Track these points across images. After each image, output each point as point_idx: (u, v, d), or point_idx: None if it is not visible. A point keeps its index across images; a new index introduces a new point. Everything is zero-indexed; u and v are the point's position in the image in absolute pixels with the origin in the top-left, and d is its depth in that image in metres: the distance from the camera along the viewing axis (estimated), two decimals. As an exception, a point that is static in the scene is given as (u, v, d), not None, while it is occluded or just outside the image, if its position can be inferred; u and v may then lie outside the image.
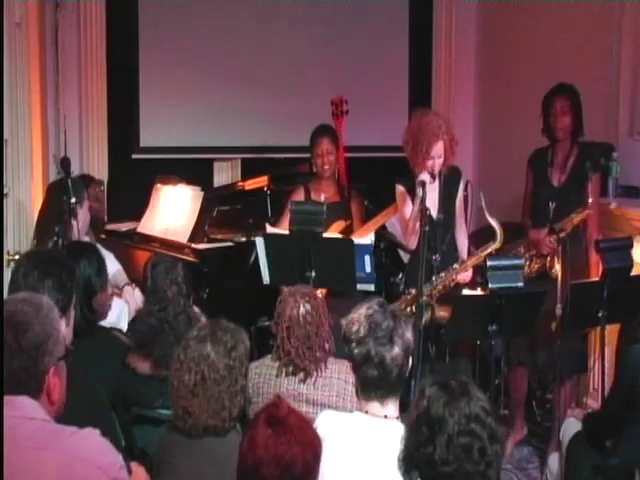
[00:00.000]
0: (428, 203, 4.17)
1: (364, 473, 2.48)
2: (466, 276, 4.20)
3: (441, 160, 4.12)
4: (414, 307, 4.11)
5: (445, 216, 4.18)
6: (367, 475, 2.47)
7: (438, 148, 4.08)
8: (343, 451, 2.53)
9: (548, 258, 4.39)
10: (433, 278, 4.04)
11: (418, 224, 3.97)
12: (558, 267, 4.27)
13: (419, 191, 3.91)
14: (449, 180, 4.25)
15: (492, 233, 4.13)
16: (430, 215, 4.07)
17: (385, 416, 2.54)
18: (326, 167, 4.72)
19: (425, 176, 3.98)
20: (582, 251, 4.39)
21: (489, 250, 4.14)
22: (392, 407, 2.56)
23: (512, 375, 4.76)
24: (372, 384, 2.56)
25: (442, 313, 3.99)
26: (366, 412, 2.58)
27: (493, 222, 4.09)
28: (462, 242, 4.38)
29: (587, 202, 4.23)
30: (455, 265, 4.17)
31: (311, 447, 2.10)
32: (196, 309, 3.56)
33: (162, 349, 3.22)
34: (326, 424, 2.60)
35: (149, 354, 3.25)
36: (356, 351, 2.57)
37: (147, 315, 3.35)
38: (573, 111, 4.48)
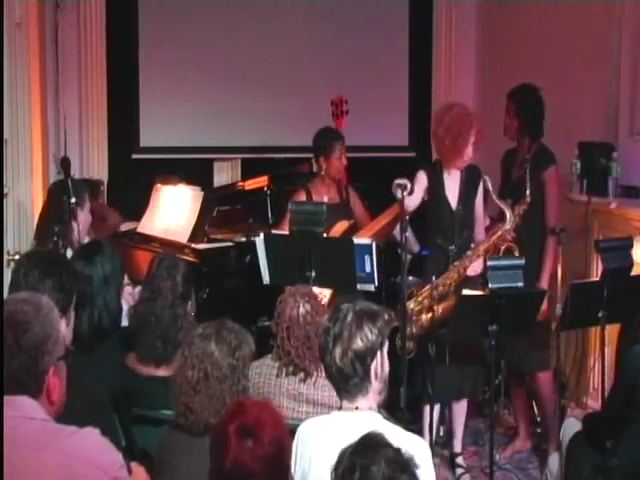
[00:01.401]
0: (449, 194, 4.31)
1: None
2: (477, 266, 4.22)
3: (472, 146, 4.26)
4: (428, 300, 4.18)
5: (464, 209, 4.29)
6: None
7: (474, 133, 4.21)
8: (325, 449, 2.53)
9: (502, 249, 4.38)
10: (435, 280, 4.15)
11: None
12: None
13: (398, 194, 3.93)
14: (470, 175, 4.33)
15: (501, 215, 4.24)
16: (449, 206, 4.28)
17: (356, 407, 2.58)
18: (342, 169, 4.80)
19: (403, 180, 4.02)
20: (538, 238, 4.45)
21: (500, 233, 4.23)
22: (362, 402, 2.59)
23: (510, 383, 4.76)
24: (332, 383, 2.64)
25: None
26: (340, 408, 2.63)
27: (502, 204, 4.23)
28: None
29: (525, 194, 4.25)
30: (468, 252, 4.24)
31: (284, 425, 2.15)
32: (191, 313, 3.49)
33: (147, 340, 3.20)
34: (306, 430, 2.62)
35: (135, 345, 3.23)
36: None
37: (139, 303, 3.34)
38: (520, 114, 4.54)
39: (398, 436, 2.48)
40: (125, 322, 3.80)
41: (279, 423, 2.14)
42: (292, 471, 2.56)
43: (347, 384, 2.57)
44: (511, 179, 4.61)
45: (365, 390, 2.59)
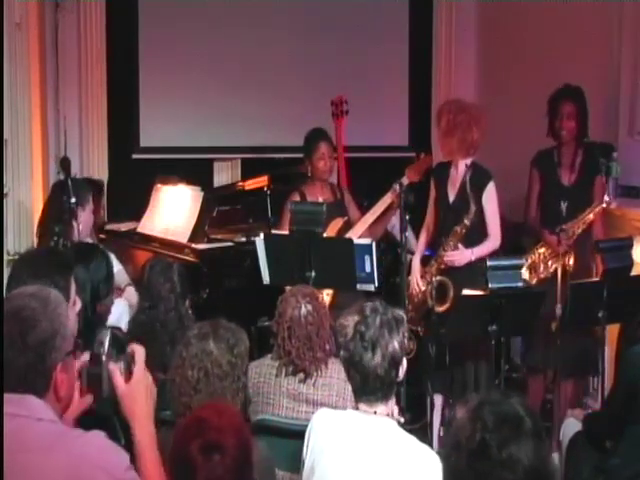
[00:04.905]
0: (450, 188, 4.38)
1: (356, 465, 2.52)
2: (452, 255, 4.24)
3: None
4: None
5: (460, 204, 4.28)
6: (359, 466, 2.51)
7: None
8: (337, 446, 2.57)
9: (566, 257, 4.38)
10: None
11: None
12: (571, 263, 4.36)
13: (402, 196, 3.95)
14: (477, 174, 4.29)
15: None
16: (447, 199, 4.36)
17: (375, 412, 2.58)
18: (327, 170, 4.76)
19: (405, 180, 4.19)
20: (588, 250, 4.43)
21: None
22: (382, 407, 2.59)
23: (529, 382, 4.75)
24: (356, 387, 2.62)
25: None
26: (357, 409, 2.62)
27: None
28: (487, 243, 4.35)
29: (602, 198, 4.27)
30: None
31: (244, 425, 2.08)
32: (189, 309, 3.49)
33: (154, 349, 3.18)
34: (321, 421, 2.64)
35: None
36: (341, 354, 2.64)
37: (139, 312, 3.32)
38: (579, 115, 4.49)
39: (411, 447, 2.50)
40: (124, 324, 3.80)
41: (239, 424, 2.06)
42: (303, 457, 2.59)
43: (381, 388, 2.56)
44: (558, 182, 4.56)
45: (390, 394, 2.59)
